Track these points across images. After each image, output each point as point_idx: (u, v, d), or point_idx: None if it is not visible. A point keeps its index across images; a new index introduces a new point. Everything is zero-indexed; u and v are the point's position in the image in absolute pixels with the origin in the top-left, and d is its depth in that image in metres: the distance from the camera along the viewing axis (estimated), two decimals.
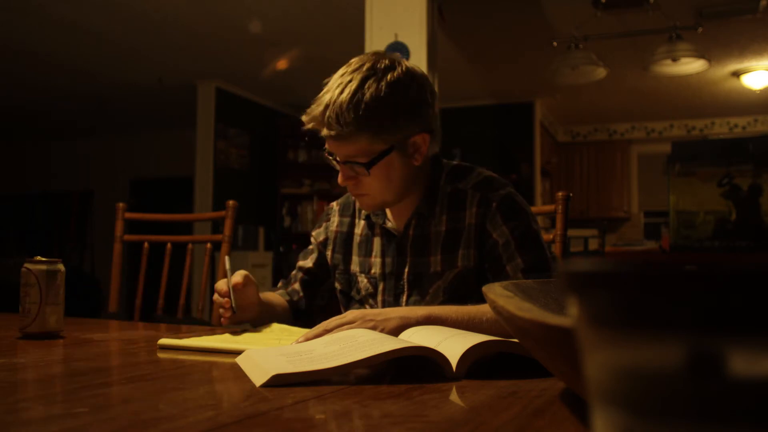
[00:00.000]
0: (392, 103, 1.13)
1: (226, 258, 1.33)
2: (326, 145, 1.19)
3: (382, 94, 1.12)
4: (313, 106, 1.16)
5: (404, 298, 1.26)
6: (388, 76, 1.14)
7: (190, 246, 1.92)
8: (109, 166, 7.75)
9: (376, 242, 1.31)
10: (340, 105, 1.11)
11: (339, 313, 1.39)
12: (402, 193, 1.23)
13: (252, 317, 1.25)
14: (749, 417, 0.21)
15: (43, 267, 1.12)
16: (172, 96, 5.99)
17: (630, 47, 4.76)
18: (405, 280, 1.26)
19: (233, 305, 1.16)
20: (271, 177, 6.37)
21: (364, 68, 1.14)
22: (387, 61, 1.17)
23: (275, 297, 1.39)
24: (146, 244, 1.92)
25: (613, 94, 6.22)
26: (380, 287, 1.29)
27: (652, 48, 4.18)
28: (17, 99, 6.29)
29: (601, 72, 4.32)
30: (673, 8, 3.95)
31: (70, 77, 5.56)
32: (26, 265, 1.11)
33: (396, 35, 3.27)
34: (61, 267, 1.14)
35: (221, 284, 1.21)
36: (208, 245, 1.92)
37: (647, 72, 4.40)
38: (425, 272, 1.24)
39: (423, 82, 1.20)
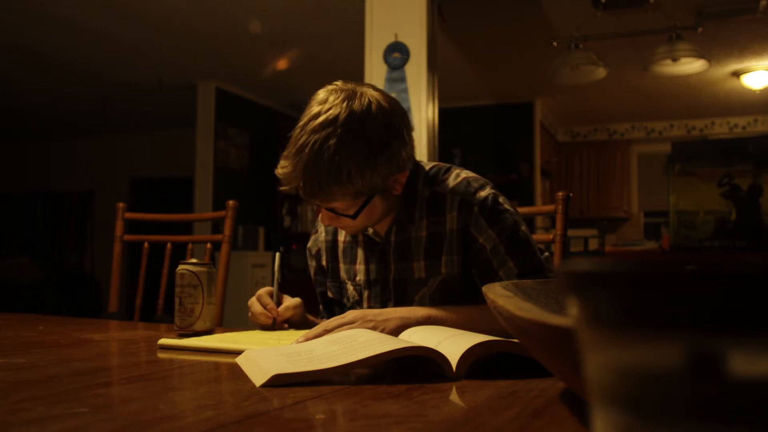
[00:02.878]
0: (373, 160, 1.09)
1: (277, 255, 1.32)
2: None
3: (362, 154, 1.07)
4: (286, 164, 1.10)
5: (391, 305, 1.25)
6: (367, 131, 1.08)
7: (190, 246, 1.92)
8: (109, 166, 7.75)
9: (360, 250, 1.31)
10: (320, 172, 1.06)
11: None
12: (384, 217, 1.23)
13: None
14: (749, 417, 0.21)
15: (205, 269, 1.20)
16: (172, 96, 5.99)
17: (630, 47, 4.76)
18: (391, 288, 1.26)
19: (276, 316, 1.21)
20: (271, 177, 6.31)
21: (340, 121, 1.07)
22: (361, 107, 1.09)
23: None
24: (146, 244, 1.92)
25: (613, 94, 6.21)
26: (365, 294, 1.29)
27: (652, 48, 4.18)
28: (17, 99, 6.29)
29: (601, 72, 4.32)
30: (673, 8, 3.95)
31: (71, 77, 5.56)
32: (186, 267, 1.21)
33: (396, 35, 3.27)
34: (215, 269, 1.25)
35: (263, 291, 1.24)
36: (208, 245, 1.92)
37: (647, 72, 4.40)
38: (409, 278, 1.24)
39: (399, 124, 1.13)
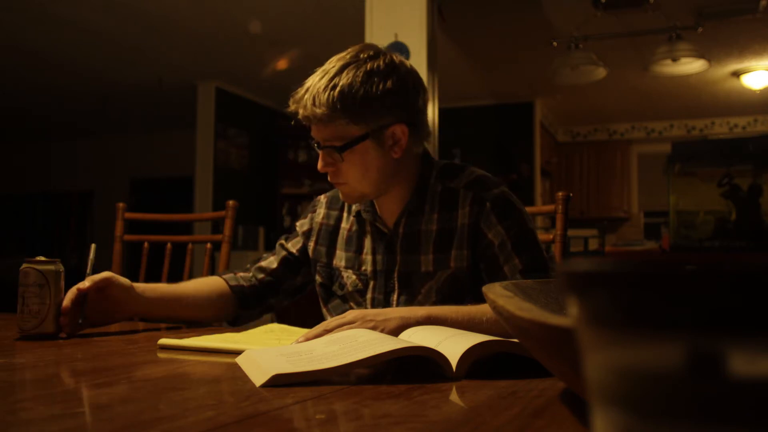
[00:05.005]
0: (367, 90, 1.15)
1: (92, 246, 1.25)
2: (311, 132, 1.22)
3: (358, 80, 1.14)
4: (296, 93, 1.20)
5: (395, 296, 1.26)
6: (368, 65, 1.16)
7: (190, 246, 1.92)
8: (109, 166, 7.75)
9: (367, 239, 1.31)
10: (317, 88, 1.15)
11: (318, 306, 1.39)
12: (381, 186, 1.23)
13: (114, 320, 1.22)
14: (749, 417, 0.21)
15: (52, 267, 1.12)
16: (172, 96, 5.99)
17: (630, 47, 4.76)
18: (395, 279, 1.26)
19: (82, 314, 1.12)
20: (271, 177, 6.37)
21: (348, 56, 1.18)
22: (371, 52, 1.19)
23: (196, 285, 1.32)
24: (146, 244, 1.92)
25: (613, 94, 6.22)
26: (371, 285, 1.29)
27: (652, 48, 4.18)
28: (17, 99, 6.29)
29: (601, 72, 4.32)
30: (673, 8, 3.95)
31: (70, 77, 5.56)
32: (31, 265, 1.11)
33: (396, 35, 3.27)
34: (62, 267, 1.15)
35: (72, 290, 1.14)
36: (208, 245, 1.92)
37: (647, 72, 4.40)
38: (416, 271, 1.24)
39: (405, 76, 1.20)
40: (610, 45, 4.53)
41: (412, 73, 1.23)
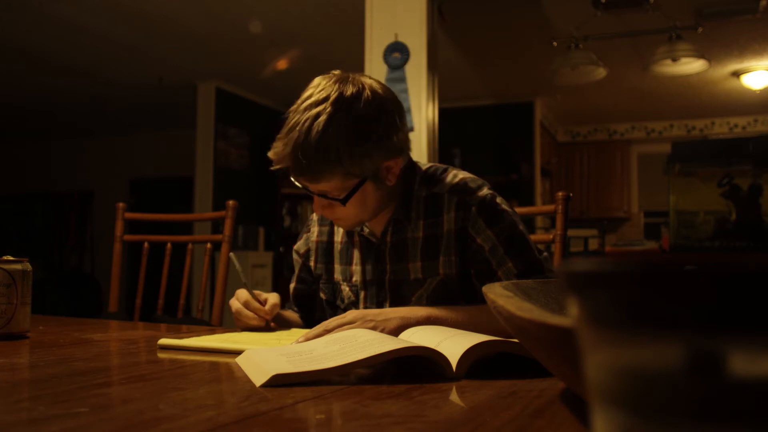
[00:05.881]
0: (363, 139, 1.09)
1: (231, 255, 1.31)
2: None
3: (352, 132, 1.08)
4: (278, 144, 1.11)
5: (387, 305, 1.25)
6: (357, 110, 1.09)
7: (190, 246, 1.92)
8: (109, 166, 7.75)
9: (356, 250, 1.30)
10: (308, 148, 1.07)
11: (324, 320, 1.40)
12: (378, 211, 1.22)
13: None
14: (749, 417, 0.21)
15: (19, 266, 1.11)
16: (172, 96, 5.99)
17: (630, 47, 4.76)
18: (387, 288, 1.25)
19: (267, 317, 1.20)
20: (271, 177, 6.36)
21: (330, 100, 1.09)
22: (352, 89, 1.11)
23: (291, 314, 1.40)
24: (146, 244, 1.92)
25: (613, 94, 6.22)
26: (362, 295, 1.28)
27: (652, 48, 4.18)
28: (17, 99, 6.29)
29: (601, 72, 4.32)
30: (673, 8, 3.95)
31: (70, 77, 5.56)
32: None
33: (396, 35, 3.27)
34: (30, 266, 1.14)
35: (245, 294, 1.21)
36: (208, 245, 1.92)
37: (647, 72, 4.40)
38: (405, 279, 1.23)
39: (391, 108, 1.15)
40: (610, 45, 4.53)
41: (393, 100, 1.17)
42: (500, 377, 0.73)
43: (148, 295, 1.90)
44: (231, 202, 1.88)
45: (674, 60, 4.05)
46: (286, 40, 4.73)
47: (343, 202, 1.14)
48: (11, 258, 1.11)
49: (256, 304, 1.20)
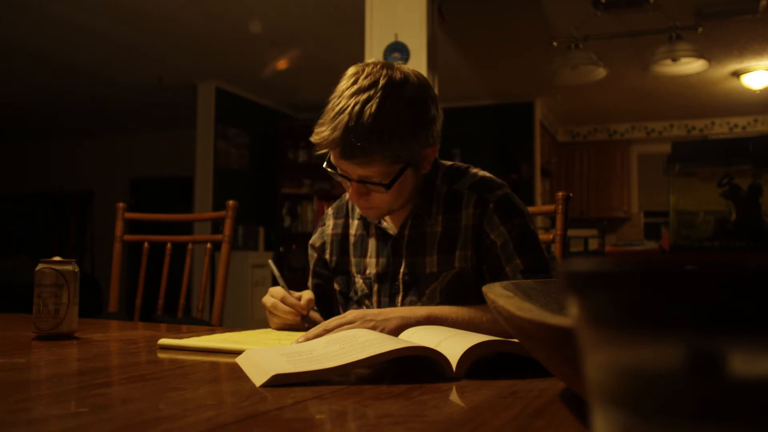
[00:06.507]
0: (413, 122, 1.11)
1: (270, 262, 1.33)
2: (331, 160, 1.15)
3: (404, 115, 1.09)
4: (323, 128, 1.10)
5: (399, 298, 1.26)
6: (406, 95, 1.11)
7: (190, 246, 1.92)
8: (109, 166, 7.75)
9: (371, 242, 1.31)
10: (363, 130, 1.06)
11: (340, 314, 1.39)
12: (407, 201, 1.24)
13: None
14: (749, 417, 0.21)
15: (69, 267, 1.14)
16: (172, 96, 5.99)
17: (630, 47, 4.76)
18: (400, 281, 1.26)
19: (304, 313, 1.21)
20: (271, 177, 6.37)
21: (380, 85, 1.09)
22: (399, 74, 1.12)
23: (315, 314, 1.40)
24: (146, 244, 1.92)
25: (613, 94, 6.21)
26: (375, 288, 1.29)
27: (652, 48, 4.18)
28: (17, 99, 6.29)
29: (601, 72, 4.32)
30: (673, 8, 3.95)
31: (70, 77, 5.56)
32: (49, 266, 1.12)
33: (396, 35, 3.27)
34: (77, 267, 1.18)
35: (281, 291, 1.22)
36: (208, 245, 1.92)
37: (647, 72, 4.40)
38: (421, 273, 1.24)
39: (434, 95, 1.18)
40: (610, 45, 4.53)
41: (432, 87, 1.20)
42: (500, 377, 0.73)
43: (148, 295, 1.90)
44: (231, 202, 1.88)
45: (674, 60, 4.05)
46: (286, 40, 4.73)
47: (387, 187, 1.14)
48: (60, 259, 1.14)
49: (293, 300, 1.21)
